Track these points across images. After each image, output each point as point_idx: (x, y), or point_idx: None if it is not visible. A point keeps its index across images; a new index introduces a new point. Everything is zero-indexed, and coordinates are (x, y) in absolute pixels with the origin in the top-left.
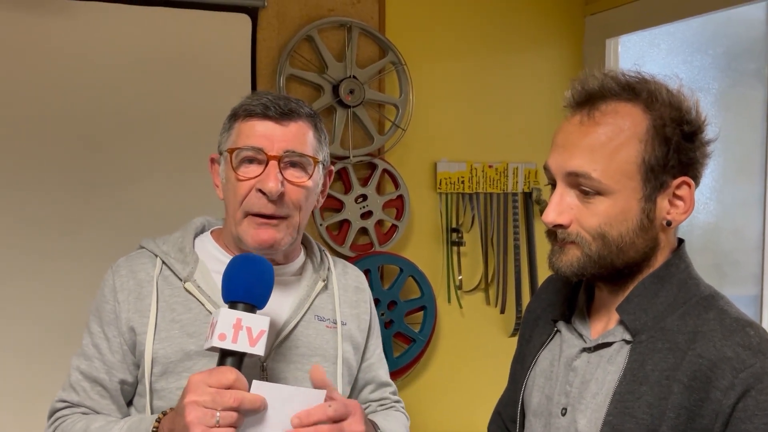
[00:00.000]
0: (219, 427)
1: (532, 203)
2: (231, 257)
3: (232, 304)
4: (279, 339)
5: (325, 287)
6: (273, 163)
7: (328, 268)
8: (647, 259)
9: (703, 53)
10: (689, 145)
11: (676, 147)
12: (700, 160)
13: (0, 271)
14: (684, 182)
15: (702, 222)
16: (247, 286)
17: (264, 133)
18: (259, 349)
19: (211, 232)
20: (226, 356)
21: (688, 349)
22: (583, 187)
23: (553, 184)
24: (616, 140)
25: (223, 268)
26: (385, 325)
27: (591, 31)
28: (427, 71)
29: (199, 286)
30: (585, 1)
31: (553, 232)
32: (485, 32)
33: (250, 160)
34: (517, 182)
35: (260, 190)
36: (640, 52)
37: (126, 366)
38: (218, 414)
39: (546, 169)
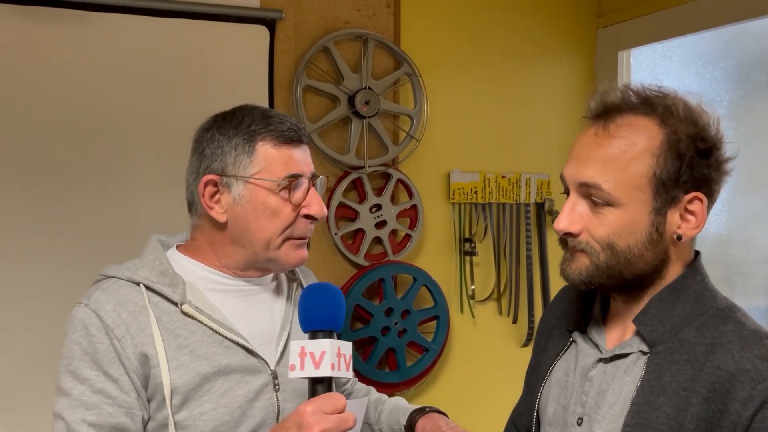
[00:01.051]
0: None
1: (544, 214)
2: (226, 276)
3: (314, 333)
4: (280, 347)
5: (299, 286)
6: (313, 188)
7: (293, 271)
8: (658, 271)
9: (714, 65)
10: (703, 161)
11: (689, 163)
12: (715, 177)
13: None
14: (696, 197)
15: (713, 234)
16: (333, 314)
17: (301, 159)
18: (351, 372)
19: (178, 248)
20: (317, 383)
21: (707, 361)
22: (594, 198)
23: (568, 193)
24: (628, 153)
25: (213, 287)
26: (399, 334)
27: (603, 43)
28: (441, 82)
29: (197, 307)
30: (597, 14)
31: (564, 240)
32: (499, 44)
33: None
34: (529, 193)
35: (308, 216)
36: (652, 65)
37: (141, 403)
38: None
39: (561, 178)
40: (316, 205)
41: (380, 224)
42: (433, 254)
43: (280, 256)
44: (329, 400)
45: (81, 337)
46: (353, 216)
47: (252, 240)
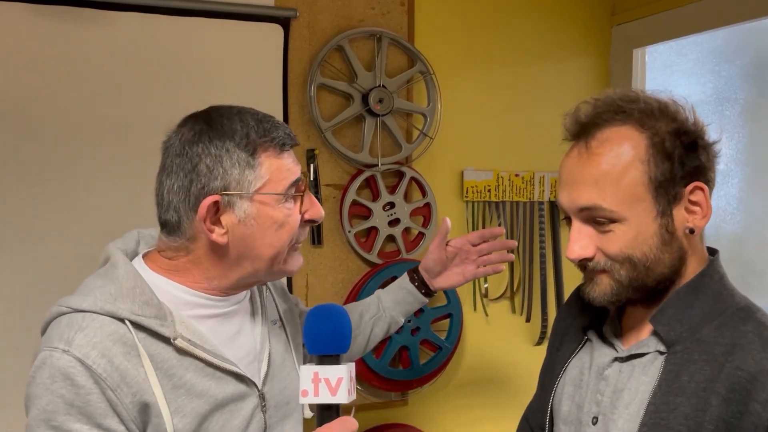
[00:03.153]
0: None
1: (558, 212)
2: (211, 297)
3: (322, 358)
4: (264, 365)
5: (266, 287)
6: (309, 192)
7: None
8: (677, 271)
9: (730, 63)
10: (692, 153)
11: (679, 159)
12: (707, 164)
13: None
14: (696, 187)
15: (727, 232)
16: (343, 338)
17: (294, 164)
18: (354, 393)
19: (147, 262)
20: (325, 408)
21: (726, 361)
22: (598, 219)
23: (568, 219)
24: (618, 166)
25: (199, 312)
26: (412, 332)
27: (618, 41)
28: (454, 81)
29: (189, 340)
30: (612, 12)
31: (583, 265)
32: (512, 42)
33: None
34: (543, 191)
35: (309, 220)
36: (667, 62)
37: None
38: None
39: (558, 204)
40: (315, 208)
41: (393, 222)
42: None
43: (286, 268)
44: (347, 425)
45: (63, 388)
46: (367, 214)
47: (258, 257)
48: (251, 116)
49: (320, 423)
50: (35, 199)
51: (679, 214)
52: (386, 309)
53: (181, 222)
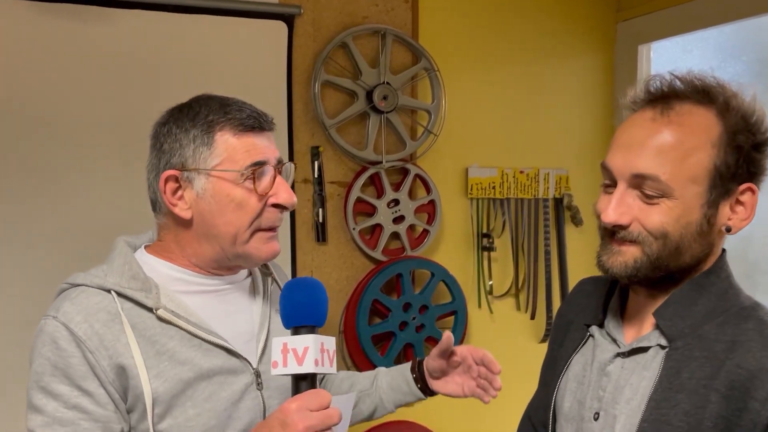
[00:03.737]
0: None
1: (563, 209)
2: (198, 275)
3: (296, 329)
4: (261, 344)
5: (274, 281)
6: (279, 176)
7: (266, 265)
8: (697, 264)
9: (736, 59)
10: (759, 155)
11: (746, 155)
12: (765, 171)
13: None
14: (749, 188)
15: None
16: (315, 309)
17: (263, 146)
18: (335, 368)
19: (146, 249)
20: (300, 379)
21: (726, 359)
22: (647, 190)
23: (610, 184)
24: (687, 143)
25: (187, 288)
26: (416, 329)
27: (623, 37)
28: (459, 77)
29: (173, 311)
30: (617, 8)
31: (611, 231)
32: (517, 38)
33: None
34: (548, 188)
35: (276, 205)
36: (672, 59)
37: (120, 415)
38: None
39: (605, 168)
40: (284, 193)
41: (398, 219)
42: (451, 249)
43: (249, 250)
44: (314, 396)
45: (50, 351)
46: (371, 211)
47: (219, 235)
48: (220, 101)
49: (294, 394)
50: (34, 198)
51: (724, 209)
52: (378, 388)
53: (156, 199)
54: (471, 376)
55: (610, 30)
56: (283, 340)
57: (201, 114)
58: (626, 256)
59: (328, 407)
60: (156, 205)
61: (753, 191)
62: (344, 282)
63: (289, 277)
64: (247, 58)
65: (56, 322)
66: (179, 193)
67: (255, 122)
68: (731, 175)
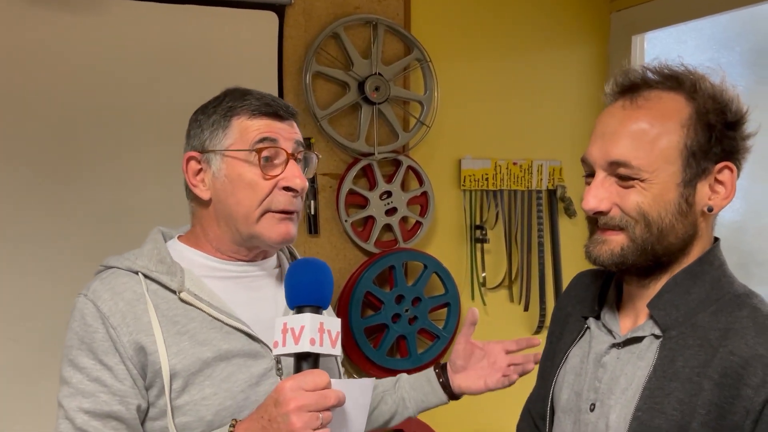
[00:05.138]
0: (323, 427)
1: (556, 200)
2: (223, 261)
3: (300, 308)
4: None
5: None
6: (292, 160)
7: (293, 255)
8: (685, 248)
9: (730, 50)
10: (732, 133)
11: (719, 134)
12: (742, 149)
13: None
14: (726, 167)
15: (728, 221)
16: (318, 289)
17: (279, 131)
18: (338, 350)
19: (179, 238)
20: (302, 359)
21: (720, 346)
22: (622, 174)
23: (590, 176)
24: (657, 126)
25: (213, 274)
26: (409, 321)
27: (616, 27)
28: (451, 68)
29: (195, 294)
30: None
31: (594, 219)
32: (510, 29)
33: (267, 159)
34: (541, 179)
35: (287, 188)
36: (666, 49)
37: (137, 391)
38: (321, 416)
39: (584, 161)
40: (297, 179)
41: (390, 211)
42: (444, 241)
43: (260, 231)
44: (310, 376)
45: (79, 326)
46: (363, 203)
47: (231, 215)
48: (243, 92)
49: (295, 372)
50: (31, 196)
51: (703, 189)
52: (400, 388)
53: (187, 183)
54: (497, 368)
55: (603, 20)
56: (284, 319)
57: (224, 102)
58: (612, 245)
59: (325, 388)
60: (186, 189)
61: (731, 170)
62: (337, 274)
63: None
64: (238, 49)
65: (86, 299)
66: (201, 175)
67: (269, 108)
68: (704, 153)
